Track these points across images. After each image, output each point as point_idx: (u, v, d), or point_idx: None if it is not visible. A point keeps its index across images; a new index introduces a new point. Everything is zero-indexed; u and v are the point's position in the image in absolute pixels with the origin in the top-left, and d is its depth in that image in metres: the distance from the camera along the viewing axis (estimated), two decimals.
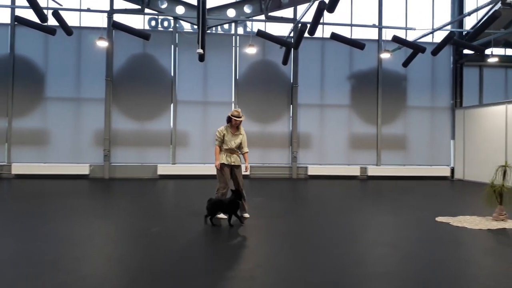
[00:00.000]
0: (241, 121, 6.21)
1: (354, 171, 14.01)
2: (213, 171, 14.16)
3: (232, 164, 6.19)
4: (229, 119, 6.24)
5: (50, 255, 4.19)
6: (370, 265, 4.04)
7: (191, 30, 13.74)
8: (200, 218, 6.19)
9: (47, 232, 5.21)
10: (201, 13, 10.39)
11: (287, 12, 14.01)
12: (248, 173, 6.47)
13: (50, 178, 12.41)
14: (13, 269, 3.73)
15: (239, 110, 6.29)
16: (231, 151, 6.19)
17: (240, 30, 14.04)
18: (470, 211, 7.12)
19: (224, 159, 6.16)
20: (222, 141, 6.19)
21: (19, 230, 5.35)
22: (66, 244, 4.68)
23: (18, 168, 12.62)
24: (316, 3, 10.03)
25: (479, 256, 4.46)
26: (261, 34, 11.67)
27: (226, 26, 14.01)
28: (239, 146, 6.28)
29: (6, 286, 3.32)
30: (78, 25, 13.17)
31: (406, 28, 13.21)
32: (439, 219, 6.44)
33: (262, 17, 13.64)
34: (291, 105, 14.04)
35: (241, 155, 6.38)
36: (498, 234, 5.51)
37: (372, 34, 14.45)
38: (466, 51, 14.46)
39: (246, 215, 6.25)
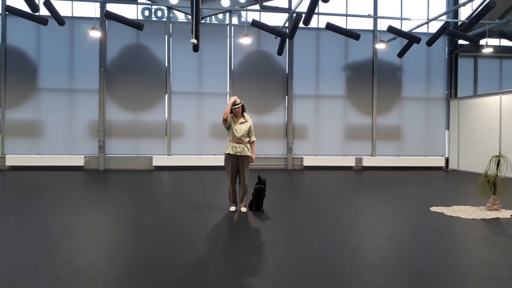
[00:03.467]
0: (240, 106, 6.05)
1: (349, 161, 14.07)
2: (208, 162, 14.14)
3: (238, 154, 6.02)
4: (230, 110, 6.09)
5: (45, 247, 4.18)
6: (365, 255, 4.07)
7: (185, 20, 13.60)
8: (195, 210, 6.19)
9: (42, 224, 5.20)
10: (195, 3, 10.28)
11: (282, 2, 13.90)
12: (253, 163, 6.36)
13: (44, 170, 12.36)
14: (7, 262, 3.72)
15: (235, 97, 6.08)
16: (238, 140, 6.02)
17: (235, 20, 13.93)
18: (464, 201, 7.21)
19: (229, 149, 6.04)
20: (228, 127, 6.08)
21: (13, 222, 5.33)
22: (61, 236, 4.67)
23: (12, 160, 12.55)
24: None
25: (472, 246, 4.51)
26: (255, 24, 11.57)
27: (220, 16, 13.89)
28: (248, 135, 6.12)
29: (0, 278, 3.31)
30: (71, 15, 13.01)
31: (401, 19, 13.15)
32: (434, 209, 6.50)
33: (257, 7, 13.51)
34: (286, 96, 14.01)
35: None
36: (491, 223, 5.57)
37: (367, 24, 14.40)
38: (461, 42, 14.49)
39: (243, 209, 6.16)
